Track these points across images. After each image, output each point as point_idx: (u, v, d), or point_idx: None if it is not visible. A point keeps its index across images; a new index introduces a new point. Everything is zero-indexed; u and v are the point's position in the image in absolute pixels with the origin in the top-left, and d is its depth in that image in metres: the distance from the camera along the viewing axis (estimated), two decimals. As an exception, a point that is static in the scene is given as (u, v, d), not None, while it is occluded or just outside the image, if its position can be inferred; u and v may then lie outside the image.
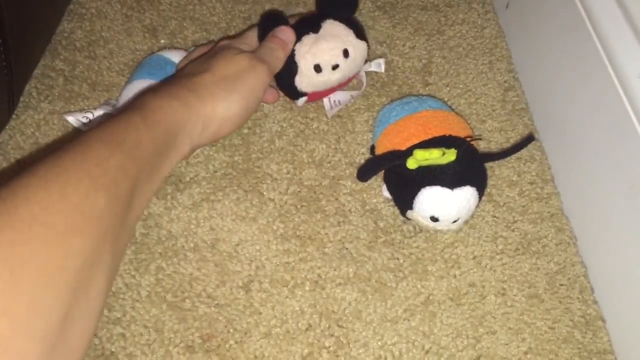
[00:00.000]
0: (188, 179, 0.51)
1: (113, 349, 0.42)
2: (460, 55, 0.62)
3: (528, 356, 0.44)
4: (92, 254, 0.32)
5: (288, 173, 0.52)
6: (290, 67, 0.51)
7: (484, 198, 0.51)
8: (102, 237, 0.33)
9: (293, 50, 0.51)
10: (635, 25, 0.45)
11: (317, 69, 0.51)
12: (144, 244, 0.47)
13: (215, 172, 0.52)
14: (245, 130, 0.54)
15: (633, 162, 0.43)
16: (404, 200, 0.48)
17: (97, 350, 0.42)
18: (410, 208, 0.47)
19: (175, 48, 0.58)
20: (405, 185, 0.47)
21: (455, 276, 0.48)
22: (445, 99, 0.58)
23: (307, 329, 0.44)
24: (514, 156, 0.54)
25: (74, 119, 0.52)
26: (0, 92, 0.49)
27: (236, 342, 0.43)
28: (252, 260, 0.47)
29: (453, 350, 0.44)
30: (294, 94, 0.54)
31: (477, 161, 0.48)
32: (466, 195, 0.45)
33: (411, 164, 0.46)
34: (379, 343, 0.44)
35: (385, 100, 0.57)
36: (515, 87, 0.60)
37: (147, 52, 0.58)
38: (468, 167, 0.46)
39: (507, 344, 0.44)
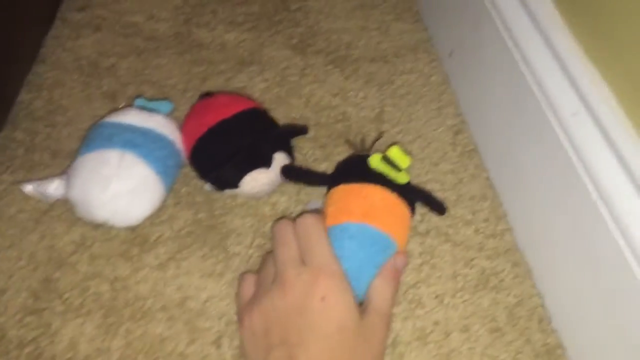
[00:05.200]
0: (153, 239, 0.52)
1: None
2: (410, 103, 0.65)
3: (495, 389, 0.45)
4: None
5: (252, 227, 0.53)
6: (232, 177, 0.53)
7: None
8: None
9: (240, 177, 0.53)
10: (564, 66, 0.49)
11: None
12: (112, 307, 0.48)
13: (179, 230, 0.53)
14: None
15: (574, 194, 0.45)
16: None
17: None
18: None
19: (123, 109, 0.56)
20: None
21: (419, 316, 0.49)
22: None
23: (279, 380, 0.45)
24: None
25: (31, 189, 0.52)
26: (-39, 166, 0.50)
27: (209, 399, 0.44)
28: (222, 316, 0.48)
29: (423, 389, 0.45)
30: (211, 180, 0.55)
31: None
32: None
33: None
34: (351, 388, 0.45)
35: (342, 150, 0.60)
36: (464, 130, 0.63)
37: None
38: None
39: (474, 379, 0.46)
